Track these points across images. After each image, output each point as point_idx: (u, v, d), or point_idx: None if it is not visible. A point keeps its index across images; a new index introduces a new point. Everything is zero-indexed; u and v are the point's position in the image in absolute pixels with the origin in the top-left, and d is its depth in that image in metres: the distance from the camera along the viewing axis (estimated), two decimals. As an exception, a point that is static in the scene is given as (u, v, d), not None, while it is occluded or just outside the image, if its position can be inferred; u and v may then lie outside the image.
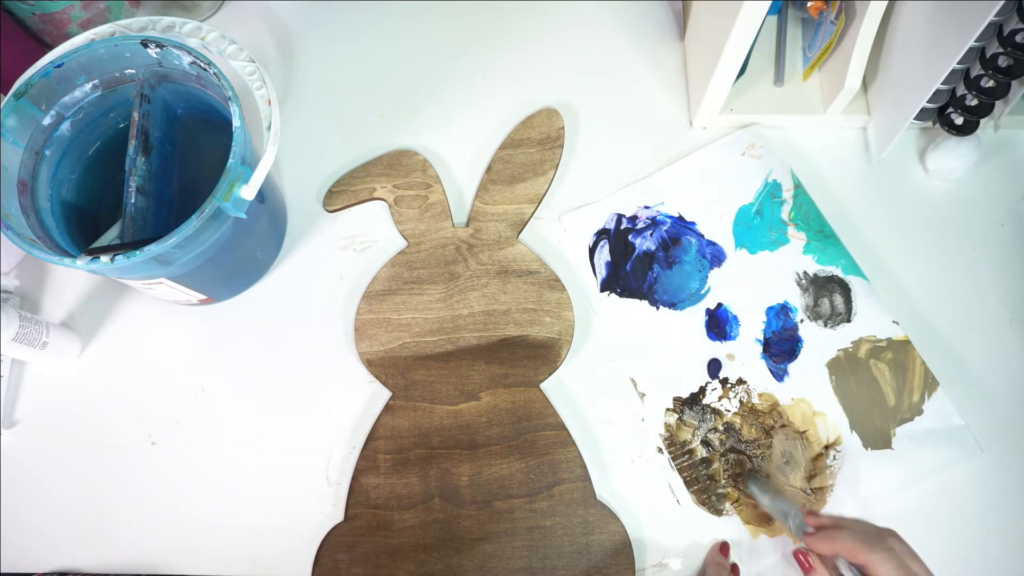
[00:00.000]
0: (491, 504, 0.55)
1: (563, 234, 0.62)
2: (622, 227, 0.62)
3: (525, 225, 0.61)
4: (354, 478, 0.56)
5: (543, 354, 0.58)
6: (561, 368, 0.58)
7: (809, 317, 0.59)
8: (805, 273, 0.60)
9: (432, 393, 0.57)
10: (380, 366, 0.58)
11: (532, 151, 0.63)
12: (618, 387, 0.58)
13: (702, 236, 0.62)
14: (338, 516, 0.55)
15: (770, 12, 0.58)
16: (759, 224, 0.62)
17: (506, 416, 0.56)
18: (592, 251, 0.62)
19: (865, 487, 0.54)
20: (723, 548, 0.54)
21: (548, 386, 0.57)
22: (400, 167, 0.63)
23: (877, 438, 0.56)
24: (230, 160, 0.48)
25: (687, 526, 0.55)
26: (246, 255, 0.58)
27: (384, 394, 0.58)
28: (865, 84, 0.63)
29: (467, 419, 0.57)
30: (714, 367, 0.58)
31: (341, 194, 0.63)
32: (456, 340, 0.58)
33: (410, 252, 0.61)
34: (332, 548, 0.54)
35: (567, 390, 0.58)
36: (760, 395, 0.57)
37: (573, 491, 0.55)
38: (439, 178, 0.63)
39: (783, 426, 0.56)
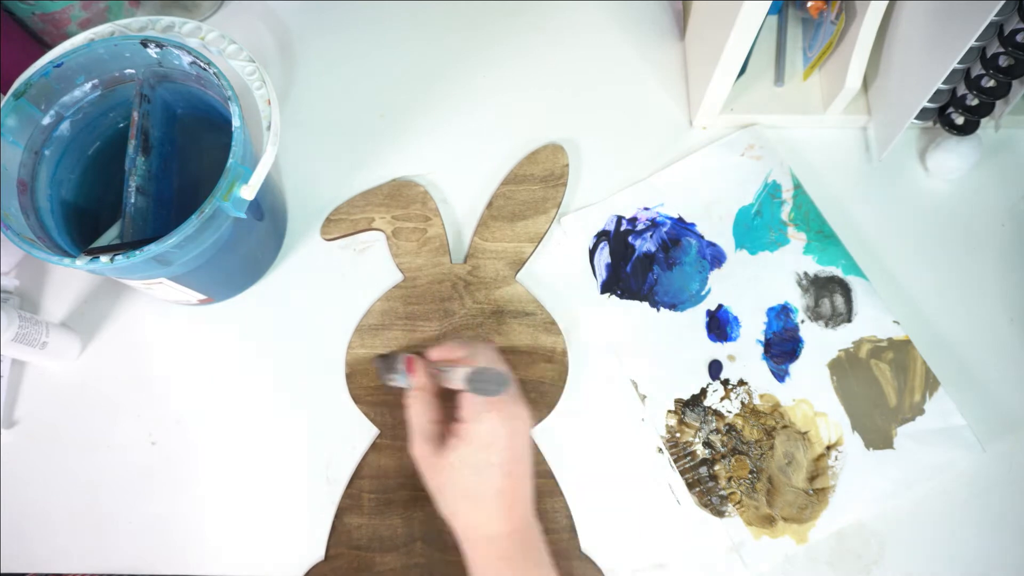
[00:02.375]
0: None
1: (562, 236, 0.62)
2: (622, 228, 0.62)
3: (524, 264, 0.60)
4: (337, 516, 0.54)
5: (536, 400, 0.56)
6: (556, 407, 0.56)
7: (810, 317, 0.59)
8: (805, 273, 0.60)
9: None
10: (369, 403, 0.57)
11: (535, 188, 0.62)
12: (619, 389, 0.58)
13: (702, 237, 0.62)
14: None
15: (770, 12, 0.58)
16: (759, 225, 0.62)
17: None
18: (592, 253, 0.62)
19: (867, 487, 0.54)
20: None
21: (539, 432, 0.56)
22: (400, 198, 0.62)
23: (878, 438, 0.56)
24: (230, 160, 0.48)
25: (687, 527, 0.55)
26: (246, 255, 0.58)
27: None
28: (865, 84, 0.63)
29: None
30: (715, 368, 0.58)
31: (339, 223, 0.61)
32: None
33: (406, 286, 0.59)
34: None
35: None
36: (761, 396, 0.57)
37: (558, 543, 0.53)
38: (439, 211, 0.61)
39: (784, 427, 0.56)
